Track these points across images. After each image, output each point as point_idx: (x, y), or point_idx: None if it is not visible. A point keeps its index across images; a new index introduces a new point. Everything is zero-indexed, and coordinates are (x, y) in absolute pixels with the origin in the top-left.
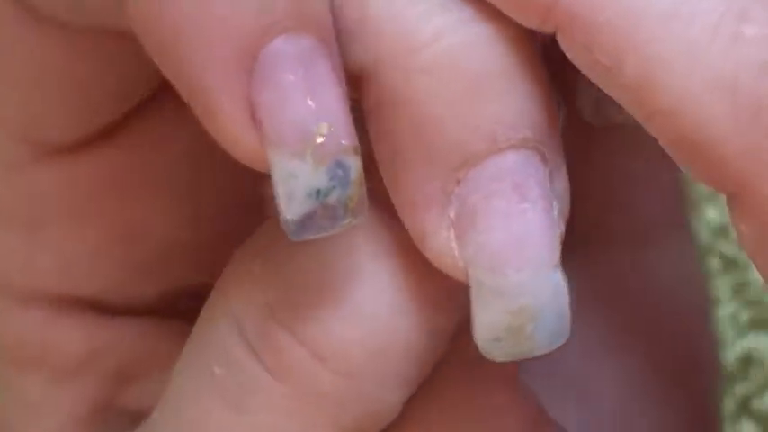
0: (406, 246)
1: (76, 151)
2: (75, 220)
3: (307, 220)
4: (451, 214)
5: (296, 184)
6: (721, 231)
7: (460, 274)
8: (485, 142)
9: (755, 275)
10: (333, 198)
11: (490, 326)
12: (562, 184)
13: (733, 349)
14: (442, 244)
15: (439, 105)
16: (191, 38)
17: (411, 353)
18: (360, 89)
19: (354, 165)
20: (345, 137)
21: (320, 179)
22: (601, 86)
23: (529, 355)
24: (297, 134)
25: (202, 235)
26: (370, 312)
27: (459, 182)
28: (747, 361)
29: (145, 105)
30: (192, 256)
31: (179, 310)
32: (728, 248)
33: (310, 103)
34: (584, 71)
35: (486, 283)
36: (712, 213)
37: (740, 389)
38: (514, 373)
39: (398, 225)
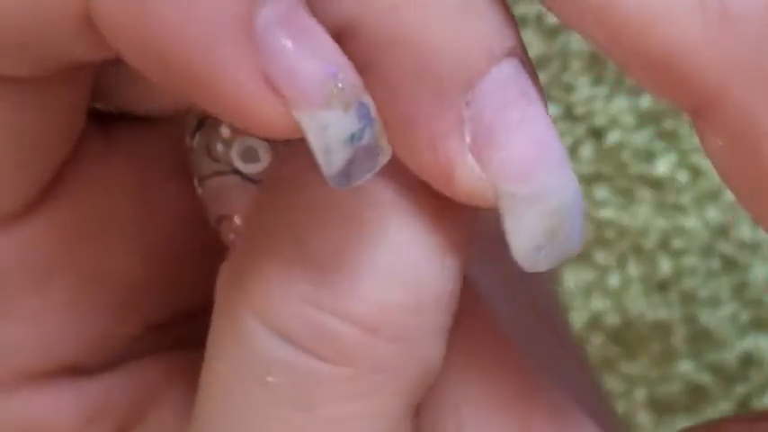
0: (415, 197)
1: (24, 216)
2: (39, 285)
3: (349, 167)
4: (468, 139)
5: (330, 136)
6: (721, 231)
7: (491, 197)
8: (483, 57)
9: (755, 275)
10: (366, 138)
11: (530, 235)
12: (539, 86)
13: (733, 349)
14: (470, 171)
15: (433, 34)
16: (186, 35)
17: (442, 301)
18: (343, 48)
19: (370, 101)
20: (355, 77)
21: (352, 123)
22: (561, 16)
23: (567, 256)
24: (319, 89)
25: (162, 266)
26: (401, 272)
27: (467, 104)
28: (747, 361)
29: (72, 153)
30: (156, 288)
31: (154, 345)
32: (728, 248)
33: (317, 56)
34: (549, 5)
35: (519, 194)
36: (712, 213)
37: (740, 389)
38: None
39: (402, 180)
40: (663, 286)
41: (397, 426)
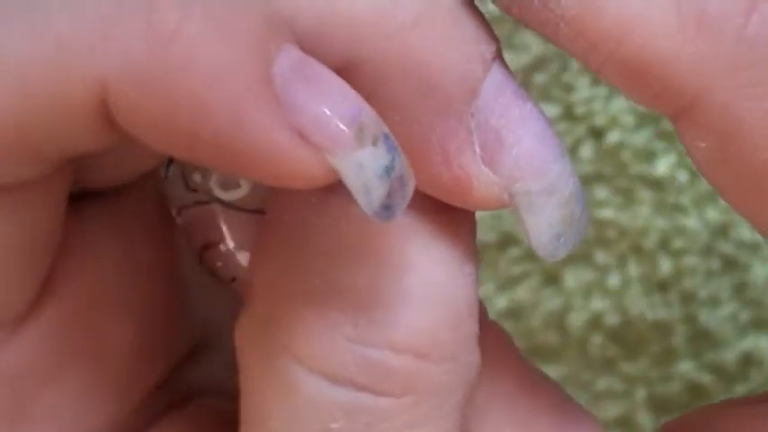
0: (426, 215)
1: (28, 316)
2: (52, 381)
3: (388, 200)
4: (477, 148)
5: (368, 173)
6: (721, 231)
7: (506, 198)
8: (480, 63)
9: (755, 275)
10: (398, 168)
11: (549, 226)
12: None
13: (733, 349)
14: (487, 179)
15: (433, 53)
16: (214, 106)
17: (472, 309)
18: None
19: (390, 132)
20: (373, 111)
21: (383, 156)
22: (536, 29)
23: (581, 237)
24: (348, 130)
25: (150, 326)
26: (433, 293)
27: (472, 115)
28: (747, 361)
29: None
30: (148, 351)
31: (152, 413)
32: (728, 248)
33: (337, 99)
34: (522, 19)
35: (534, 189)
36: (712, 213)
37: (740, 389)
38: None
39: (412, 202)
40: (663, 286)
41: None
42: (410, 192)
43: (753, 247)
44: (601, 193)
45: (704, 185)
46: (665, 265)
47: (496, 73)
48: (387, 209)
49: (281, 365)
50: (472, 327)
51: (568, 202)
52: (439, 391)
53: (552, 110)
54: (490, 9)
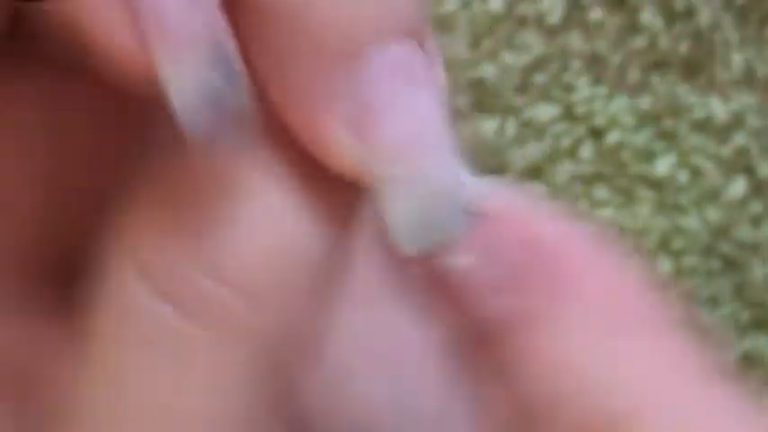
0: (296, 163)
1: None
2: None
3: (214, 129)
4: (350, 114)
5: (195, 94)
6: (721, 231)
7: (367, 175)
8: (371, 32)
9: (755, 275)
10: (235, 100)
11: (405, 219)
12: (439, 73)
13: (733, 349)
14: (347, 149)
15: (320, 6)
16: None
17: (314, 269)
18: (229, 17)
19: (238, 61)
20: (225, 37)
21: (215, 76)
22: None
23: (443, 241)
24: (187, 39)
25: (64, 209)
26: (269, 234)
27: (352, 80)
28: (747, 361)
29: None
30: (52, 232)
31: (41, 298)
32: (728, 248)
33: (193, 12)
34: None
35: (394, 175)
36: (712, 213)
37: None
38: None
39: (283, 146)
40: (663, 286)
41: (262, 383)
42: (244, 129)
43: (753, 247)
44: (601, 193)
45: (704, 185)
46: (665, 265)
47: (395, 50)
48: (210, 136)
49: (121, 265)
50: (310, 285)
51: (429, 197)
52: (246, 330)
53: (552, 110)
54: (491, 8)
